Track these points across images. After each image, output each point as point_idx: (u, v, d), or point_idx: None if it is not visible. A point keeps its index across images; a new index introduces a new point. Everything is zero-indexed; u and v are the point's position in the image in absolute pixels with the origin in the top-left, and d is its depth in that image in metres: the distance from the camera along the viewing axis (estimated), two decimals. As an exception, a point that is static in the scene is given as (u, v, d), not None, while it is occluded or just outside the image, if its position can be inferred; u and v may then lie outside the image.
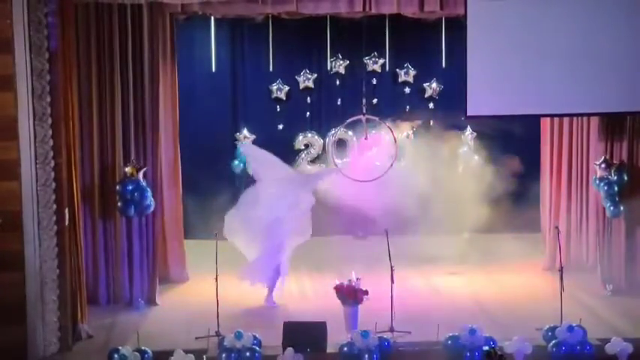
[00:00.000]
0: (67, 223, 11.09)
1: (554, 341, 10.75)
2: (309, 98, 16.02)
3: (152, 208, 12.81)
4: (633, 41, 12.43)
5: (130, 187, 12.58)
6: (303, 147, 15.89)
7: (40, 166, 10.72)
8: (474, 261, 14.47)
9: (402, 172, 15.19)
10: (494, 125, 15.12)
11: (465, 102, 12.63)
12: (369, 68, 15.85)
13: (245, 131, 15.86)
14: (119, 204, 12.65)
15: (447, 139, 15.49)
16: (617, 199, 13.02)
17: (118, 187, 12.64)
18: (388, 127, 14.41)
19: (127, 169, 12.66)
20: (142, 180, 12.66)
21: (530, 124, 14.96)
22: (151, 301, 12.91)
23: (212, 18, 14.95)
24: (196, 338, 11.34)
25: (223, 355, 10.54)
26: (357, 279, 11.79)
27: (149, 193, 12.70)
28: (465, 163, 15.82)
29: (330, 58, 15.72)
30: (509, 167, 14.97)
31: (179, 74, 13.81)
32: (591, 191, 13.87)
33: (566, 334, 10.70)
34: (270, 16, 14.64)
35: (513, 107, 12.84)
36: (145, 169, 12.77)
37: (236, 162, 15.66)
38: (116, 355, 10.37)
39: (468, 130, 15.89)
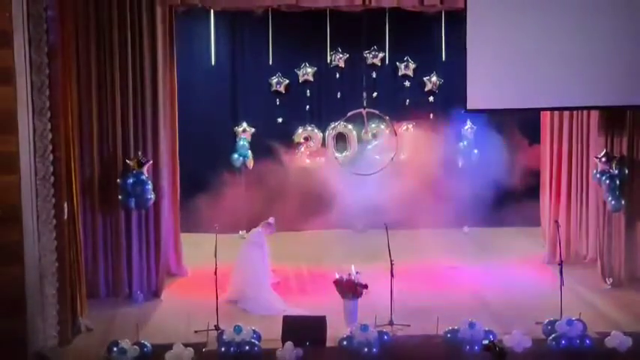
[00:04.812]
0: (65, 216, 11.08)
1: (553, 335, 10.77)
2: (308, 91, 15.98)
3: (152, 201, 12.80)
4: (634, 35, 12.41)
5: (131, 181, 12.57)
6: (302, 140, 15.86)
7: (39, 160, 10.69)
8: (473, 255, 14.46)
9: (402, 166, 15.21)
10: (494, 119, 15.12)
11: (465, 96, 12.62)
12: (369, 62, 15.80)
13: (244, 124, 15.82)
14: (119, 197, 12.63)
15: (447, 132, 15.48)
16: (618, 192, 13.01)
17: (118, 181, 12.62)
18: (388, 120, 14.38)
19: (130, 162, 12.64)
20: (145, 174, 12.65)
21: (531, 117, 14.95)
22: (156, 295, 12.92)
23: (212, 11, 14.91)
24: (195, 332, 11.33)
25: (223, 349, 10.56)
26: (357, 273, 11.78)
27: (149, 186, 12.68)
28: (465, 157, 15.78)
29: (330, 51, 15.66)
30: (508, 161, 14.97)
31: (178, 67, 13.76)
32: (591, 185, 13.86)
33: (565, 328, 10.72)
34: (269, 9, 14.62)
35: (513, 101, 12.83)
36: (149, 162, 12.74)
37: (235, 155, 15.64)
38: (115, 349, 10.39)
39: (468, 123, 15.85)
